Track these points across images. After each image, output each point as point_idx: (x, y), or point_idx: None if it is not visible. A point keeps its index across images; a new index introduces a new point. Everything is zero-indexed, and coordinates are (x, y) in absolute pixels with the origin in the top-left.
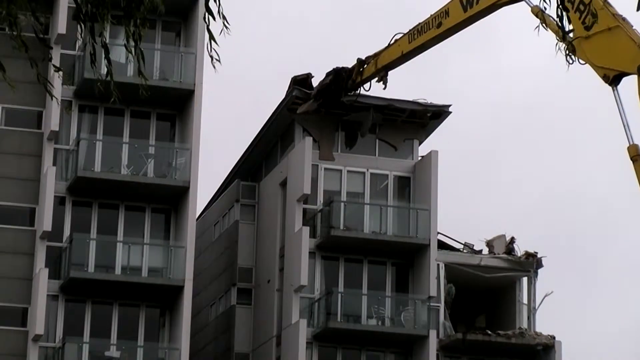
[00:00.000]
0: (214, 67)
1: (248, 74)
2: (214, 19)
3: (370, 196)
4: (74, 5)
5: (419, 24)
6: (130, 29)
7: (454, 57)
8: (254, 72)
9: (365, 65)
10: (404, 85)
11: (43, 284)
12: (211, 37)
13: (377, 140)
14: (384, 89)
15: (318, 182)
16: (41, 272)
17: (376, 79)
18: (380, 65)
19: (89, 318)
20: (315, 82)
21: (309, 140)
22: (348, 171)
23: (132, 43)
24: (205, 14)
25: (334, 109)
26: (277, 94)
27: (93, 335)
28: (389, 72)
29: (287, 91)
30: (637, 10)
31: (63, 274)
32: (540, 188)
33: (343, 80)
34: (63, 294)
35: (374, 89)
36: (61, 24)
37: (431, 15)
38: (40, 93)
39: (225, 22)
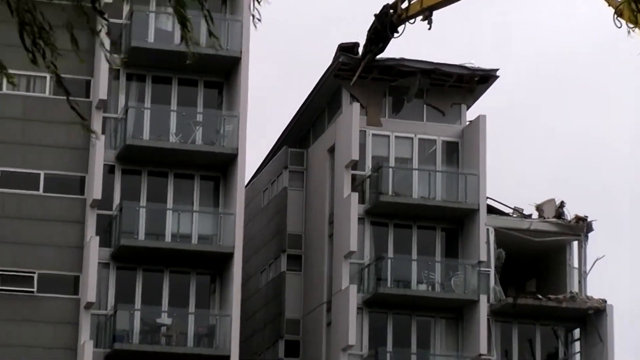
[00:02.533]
0: (255, 26)
1: (295, 40)
2: None
3: (419, 161)
4: None
5: None
6: None
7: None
8: (301, 39)
9: (412, 1)
10: (450, 44)
11: (94, 252)
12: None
13: (424, 105)
14: (429, 29)
15: (366, 148)
16: (92, 240)
17: (421, 17)
18: (425, 4)
19: (140, 285)
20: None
21: (356, 106)
22: (396, 137)
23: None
24: None
25: (383, 48)
26: (324, 60)
27: (144, 302)
28: (434, 13)
29: (333, 57)
30: None
31: (113, 242)
32: (588, 151)
33: (388, 15)
34: (114, 261)
35: (420, 53)
36: None
37: None
38: (88, 62)
39: None
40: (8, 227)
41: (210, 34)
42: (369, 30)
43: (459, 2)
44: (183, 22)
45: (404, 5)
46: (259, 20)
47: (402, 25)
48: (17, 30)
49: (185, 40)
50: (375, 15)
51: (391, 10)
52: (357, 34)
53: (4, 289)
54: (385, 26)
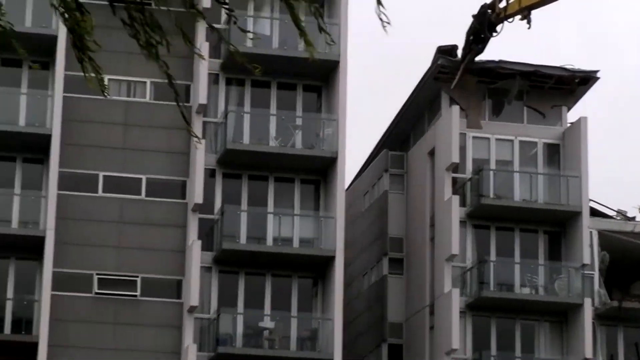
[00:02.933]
0: (385, 29)
1: (393, 43)
2: None
3: (520, 164)
4: None
5: None
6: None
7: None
8: (399, 42)
9: (510, 1)
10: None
11: (196, 255)
12: (378, 1)
13: (524, 108)
14: (528, 28)
15: (466, 151)
16: (194, 244)
17: (519, 16)
18: (524, 4)
19: (243, 289)
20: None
21: (456, 108)
22: (496, 139)
23: (276, 15)
24: None
25: (482, 49)
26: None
27: (247, 306)
28: (532, 12)
29: (432, 60)
30: None
31: (215, 246)
32: None
33: (486, 15)
34: (216, 265)
35: (519, 55)
36: None
37: None
38: (188, 67)
39: None
40: (111, 232)
41: (321, 29)
42: (468, 32)
43: (558, 1)
44: (297, 23)
45: (502, 4)
46: (388, 23)
47: (501, 25)
48: (118, 37)
49: (305, 41)
50: (474, 16)
51: (489, 10)
52: (455, 36)
53: (107, 293)
54: (483, 26)
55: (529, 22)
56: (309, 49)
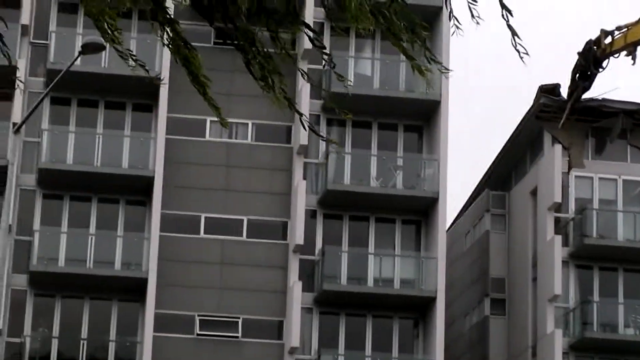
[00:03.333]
0: (523, 61)
1: (492, 81)
2: (511, 14)
3: (624, 203)
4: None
5: None
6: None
7: None
8: (498, 80)
9: (616, 37)
10: None
11: (297, 296)
12: (513, 33)
13: (628, 146)
14: (633, 64)
15: (569, 190)
16: (295, 285)
17: (625, 52)
18: (629, 40)
19: (343, 330)
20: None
21: (558, 148)
22: (599, 178)
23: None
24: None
25: (589, 86)
26: (522, 103)
27: (348, 347)
28: (638, 48)
29: (534, 99)
30: None
31: (316, 287)
32: None
33: (592, 50)
34: (317, 306)
35: (623, 93)
36: (307, 40)
37: None
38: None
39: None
40: (213, 273)
41: (430, 60)
42: (573, 70)
43: None
44: (405, 53)
45: (608, 40)
46: (527, 54)
47: (606, 60)
48: (219, 78)
49: (415, 68)
50: (579, 53)
51: (594, 46)
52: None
53: (209, 334)
54: (589, 62)
55: (633, 59)
56: (420, 72)
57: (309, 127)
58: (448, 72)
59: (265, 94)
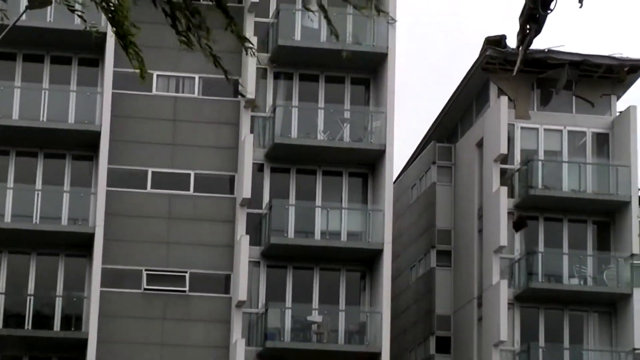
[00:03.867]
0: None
1: (439, 34)
2: None
3: (568, 154)
4: None
5: None
6: None
7: None
8: (445, 33)
9: None
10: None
11: (244, 250)
12: None
13: (573, 97)
14: (580, 7)
15: (514, 142)
16: (242, 239)
17: None
18: None
19: (290, 283)
20: (509, 43)
21: (504, 99)
22: (545, 129)
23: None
24: None
25: (539, 30)
26: (470, 55)
27: (295, 300)
28: None
29: (480, 51)
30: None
31: (264, 240)
32: None
33: None
34: (264, 260)
35: (569, 44)
36: None
37: None
38: (237, 62)
39: None
40: (159, 228)
41: (379, 11)
42: (520, 16)
43: None
44: (328, 18)
45: None
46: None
47: (554, 1)
48: (166, 34)
49: (333, 34)
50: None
51: None
52: (505, 26)
53: (156, 289)
54: (537, 4)
55: (580, 2)
56: (342, 43)
57: (236, 90)
58: (394, 22)
59: (185, 47)
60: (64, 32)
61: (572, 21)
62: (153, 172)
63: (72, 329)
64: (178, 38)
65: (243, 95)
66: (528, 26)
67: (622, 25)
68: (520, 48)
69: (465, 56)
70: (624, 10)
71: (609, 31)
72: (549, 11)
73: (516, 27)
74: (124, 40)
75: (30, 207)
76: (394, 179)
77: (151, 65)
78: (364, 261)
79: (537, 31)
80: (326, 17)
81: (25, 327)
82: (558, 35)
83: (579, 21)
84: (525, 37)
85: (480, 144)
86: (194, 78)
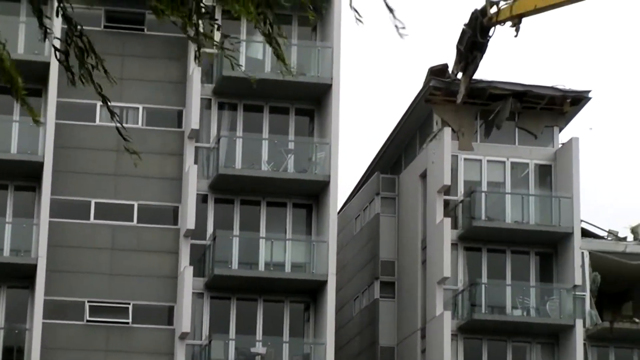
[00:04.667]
0: (401, 35)
1: (383, 65)
2: None
3: (512, 185)
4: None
5: None
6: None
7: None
8: (389, 64)
9: (502, 7)
10: (541, 64)
11: (188, 282)
12: (389, 9)
13: (516, 129)
14: (516, 36)
15: (458, 173)
16: (186, 270)
17: (510, 23)
18: (514, 12)
19: (234, 315)
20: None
21: (447, 130)
22: (488, 161)
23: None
24: None
25: (481, 56)
26: (414, 84)
27: (239, 331)
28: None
29: (424, 82)
30: None
31: (207, 272)
32: None
33: (478, 19)
34: (208, 291)
35: (511, 76)
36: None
37: None
38: (180, 92)
39: (358, 15)
40: (103, 259)
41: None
42: (458, 42)
43: (549, 11)
44: (274, 46)
45: (493, 10)
46: (404, 28)
47: (492, 29)
48: (110, 63)
49: (281, 59)
50: (465, 24)
51: (480, 15)
52: (447, 55)
53: (99, 320)
54: (476, 31)
55: (517, 30)
56: (283, 66)
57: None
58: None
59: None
60: None
61: (513, 52)
62: (96, 203)
63: None
64: (67, 75)
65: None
66: (472, 53)
67: (564, 56)
68: (463, 75)
69: (410, 85)
70: (565, 41)
71: (550, 62)
72: (488, 38)
73: (454, 54)
74: (15, 91)
75: None
76: (338, 210)
77: (94, 95)
78: (308, 292)
79: (481, 58)
80: (270, 42)
81: None
82: (500, 65)
83: (519, 52)
84: (468, 64)
85: (424, 175)
86: (137, 108)
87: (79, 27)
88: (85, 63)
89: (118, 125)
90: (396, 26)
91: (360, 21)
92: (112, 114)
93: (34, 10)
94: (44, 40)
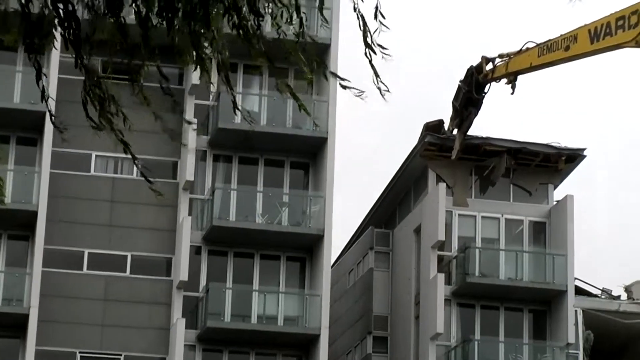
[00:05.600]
0: (384, 98)
1: (379, 120)
2: (374, 52)
3: (506, 242)
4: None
5: (549, 40)
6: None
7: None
8: (385, 119)
9: (497, 64)
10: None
11: (180, 333)
12: (375, 73)
13: (511, 185)
14: (512, 94)
15: (452, 228)
16: (178, 322)
17: (506, 80)
18: (510, 70)
19: None
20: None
21: (442, 186)
22: (482, 217)
23: (264, 92)
24: (365, 50)
25: (476, 112)
26: (410, 140)
27: None
28: (518, 77)
29: (419, 137)
30: None
31: (200, 324)
32: None
33: (473, 76)
34: (200, 343)
35: (506, 132)
36: (195, 74)
37: (561, 36)
38: (176, 144)
39: (340, 80)
40: (95, 309)
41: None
42: (454, 99)
43: (546, 69)
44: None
45: (489, 67)
46: (388, 91)
47: (488, 85)
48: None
49: (301, 108)
50: (461, 81)
51: (476, 72)
52: (443, 110)
53: None
54: (471, 87)
55: (513, 88)
56: (306, 111)
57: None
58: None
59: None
60: (3, 111)
61: (507, 109)
62: (89, 253)
63: None
64: (89, 122)
65: (189, 123)
66: (467, 110)
67: (559, 114)
68: (458, 131)
69: (405, 141)
70: (560, 99)
71: (545, 120)
72: (483, 94)
73: (450, 110)
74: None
75: None
76: (331, 264)
77: (89, 145)
78: (301, 346)
79: (476, 113)
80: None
81: None
82: (495, 122)
83: (514, 109)
84: (463, 120)
85: (418, 230)
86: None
87: (95, 77)
88: (105, 112)
89: (141, 169)
90: (379, 89)
91: (343, 87)
92: (134, 158)
93: (31, 63)
94: (43, 101)
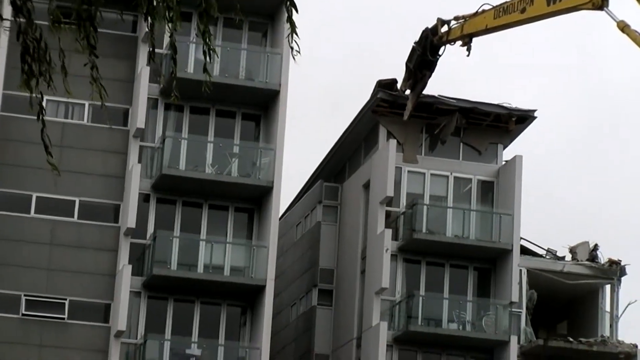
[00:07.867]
0: (294, 58)
1: (332, 74)
2: (297, 11)
3: (453, 200)
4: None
5: (505, 2)
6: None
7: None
8: (338, 73)
9: (452, 26)
10: (489, 82)
11: (126, 280)
12: (293, 30)
13: (461, 144)
14: (468, 55)
15: (401, 185)
16: (124, 269)
17: (461, 43)
18: (465, 32)
19: (171, 315)
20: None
21: (392, 142)
22: (431, 174)
23: (210, 41)
24: (287, 4)
25: (429, 73)
26: (362, 95)
27: (174, 332)
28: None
29: (371, 93)
30: None
31: (146, 271)
32: (627, 195)
33: (428, 38)
34: (145, 290)
35: (458, 92)
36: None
37: None
38: (127, 91)
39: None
40: (41, 253)
41: (205, 70)
42: (408, 60)
43: (500, 32)
44: (208, 50)
45: (444, 29)
46: (298, 52)
47: (443, 47)
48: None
49: (205, 70)
50: (415, 42)
51: (431, 34)
52: (396, 68)
53: (35, 315)
54: (425, 49)
55: (468, 50)
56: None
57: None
58: (296, 56)
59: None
60: None
61: (461, 70)
62: (37, 197)
63: None
64: (22, 77)
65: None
66: (421, 72)
67: (511, 76)
68: (411, 93)
69: (358, 97)
70: (513, 61)
71: (497, 81)
72: (438, 56)
73: (404, 71)
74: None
75: None
76: (279, 216)
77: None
78: (246, 296)
79: (429, 76)
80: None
81: None
82: (447, 83)
83: (468, 70)
84: (416, 82)
85: (367, 186)
86: (84, 105)
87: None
88: (43, 61)
89: (46, 141)
90: (292, 47)
91: (294, 58)
92: (41, 108)
93: None
94: None
